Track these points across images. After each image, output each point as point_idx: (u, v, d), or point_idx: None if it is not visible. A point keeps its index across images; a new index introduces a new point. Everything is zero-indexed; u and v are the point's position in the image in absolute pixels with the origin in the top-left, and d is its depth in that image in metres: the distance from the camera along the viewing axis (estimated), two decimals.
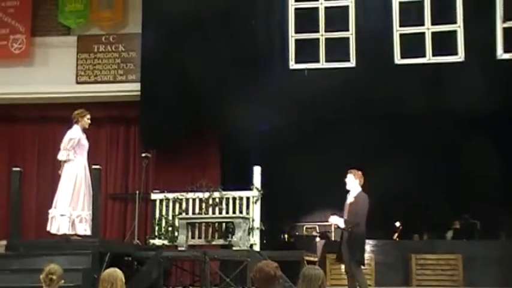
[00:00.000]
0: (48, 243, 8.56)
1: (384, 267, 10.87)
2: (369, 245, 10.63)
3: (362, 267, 8.08)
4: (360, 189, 8.08)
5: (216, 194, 9.71)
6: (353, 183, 8.10)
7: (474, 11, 10.05)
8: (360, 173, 8.14)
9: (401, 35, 10.21)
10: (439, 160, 13.07)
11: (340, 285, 9.33)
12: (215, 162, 11.52)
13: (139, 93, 11.08)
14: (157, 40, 10.84)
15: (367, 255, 10.54)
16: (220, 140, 11.61)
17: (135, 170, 11.68)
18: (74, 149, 8.65)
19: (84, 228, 8.61)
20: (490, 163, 11.36)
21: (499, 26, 9.94)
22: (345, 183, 8.15)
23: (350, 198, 8.08)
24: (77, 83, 11.63)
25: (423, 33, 10.19)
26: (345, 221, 7.97)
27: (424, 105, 10.04)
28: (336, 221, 8.18)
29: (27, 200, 10.60)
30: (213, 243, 9.30)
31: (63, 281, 5.20)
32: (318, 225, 16.60)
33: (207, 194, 9.73)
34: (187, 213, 9.65)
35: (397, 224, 13.97)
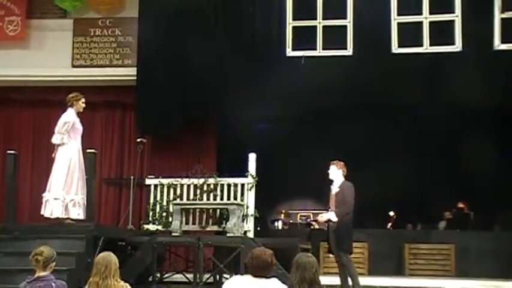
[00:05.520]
0: (43, 226, 8.55)
1: (377, 256, 10.91)
2: (362, 234, 10.66)
3: (351, 255, 8.13)
4: (343, 178, 8.12)
5: (211, 180, 9.72)
6: (336, 173, 8.15)
7: (472, 1, 10.03)
8: (342, 163, 8.19)
9: (399, 24, 10.18)
10: (435, 150, 13.09)
11: (334, 273, 9.34)
12: (211, 149, 11.51)
13: (135, 78, 11.03)
14: (154, 25, 10.78)
15: (360, 244, 10.61)
16: (216, 126, 11.58)
17: (130, 155, 11.65)
18: (68, 133, 8.62)
19: (77, 213, 8.59)
20: (485, 153, 11.39)
21: (497, 17, 9.91)
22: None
23: (335, 189, 8.13)
24: (73, 66, 11.56)
25: (421, 23, 10.16)
26: (336, 213, 7.96)
27: (421, 94, 10.04)
28: (327, 216, 8.13)
29: (21, 183, 10.58)
30: (207, 229, 9.31)
31: (54, 263, 5.18)
32: (312, 213, 16.66)
33: (201, 180, 9.75)
34: (181, 199, 9.65)
35: (391, 213, 14.03)
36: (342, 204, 7.95)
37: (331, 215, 8.03)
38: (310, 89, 10.01)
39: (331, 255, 8.40)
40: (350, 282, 7.95)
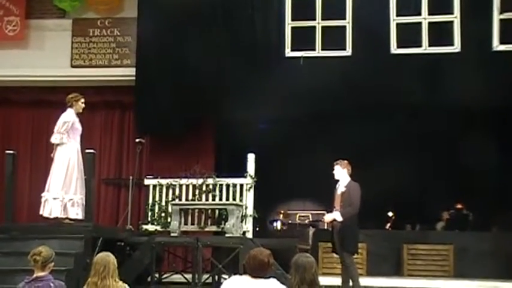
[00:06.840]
0: (42, 226, 8.55)
1: (375, 256, 10.91)
2: (361, 234, 10.64)
3: (354, 256, 8.11)
4: (349, 178, 8.08)
5: (210, 181, 9.72)
6: (341, 173, 8.11)
7: (471, 2, 10.01)
8: (346, 162, 8.15)
9: (398, 25, 10.17)
10: (434, 151, 13.10)
11: (332, 274, 9.35)
12: (209, 149, 11.50)
13: (134, 78, 11.02)
14: (153, 25, 10.76)
15: (359, 244, 10.58)
16: (215, 127, 11.58)
17: (129, 155, 11.65)
18: (67, 133, 8.63)
19: (76, 212, 8.60)
20: (484, 155, 11.39)
21: (496, 18, 9.91)
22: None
23: (341, 188, 8.07)
24: (72, 66, 11.56)
25: (420, 23, 10.15)
26: (342, 213, 7.93)
27: (420, 94, 10.03)
28: (332, 216, 8.09)
29: (20, 182, 10.57)
30: (206, 229, 9.32)
31: (53, 263, 5.17)
32: (311, 213, 16.68)
33: (200, 181, 9.75)
34: (180, 199, 9.66)
35: (390, 213, 14.03)
36: (348, 205, 7.92)
37: (336, 215, 7.99)
38: (309, 89, 10.00)
39: (335, 255, 8.36)
40: (351, 283, 7.94)
